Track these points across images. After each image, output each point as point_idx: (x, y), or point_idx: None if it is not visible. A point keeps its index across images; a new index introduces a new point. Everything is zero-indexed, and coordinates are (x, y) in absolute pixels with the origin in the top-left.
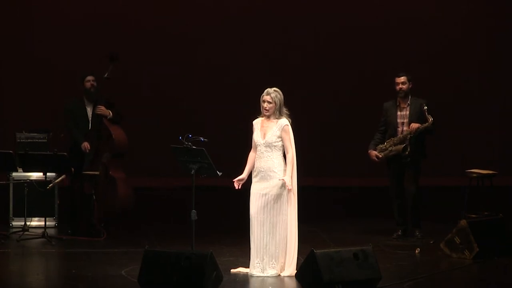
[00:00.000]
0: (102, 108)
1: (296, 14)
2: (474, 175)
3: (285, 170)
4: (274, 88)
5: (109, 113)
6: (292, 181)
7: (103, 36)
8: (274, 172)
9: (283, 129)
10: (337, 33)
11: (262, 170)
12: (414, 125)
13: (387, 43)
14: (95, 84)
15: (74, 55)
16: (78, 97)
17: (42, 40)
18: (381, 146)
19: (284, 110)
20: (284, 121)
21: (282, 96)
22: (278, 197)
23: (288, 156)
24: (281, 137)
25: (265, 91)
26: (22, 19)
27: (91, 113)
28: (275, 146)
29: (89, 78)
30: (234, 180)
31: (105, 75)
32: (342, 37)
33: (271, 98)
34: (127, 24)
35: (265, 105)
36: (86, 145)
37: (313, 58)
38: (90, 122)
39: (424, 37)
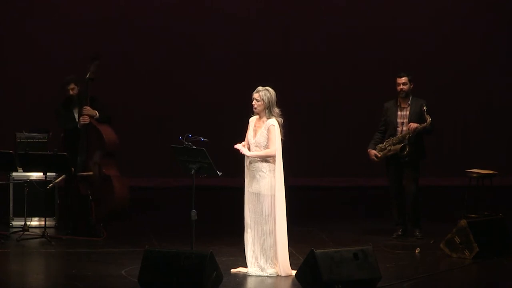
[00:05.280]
0: (88, 109)
1: (296, 13)
2: (474, 175)
3: (274, 170)
4: (266, 87)
5: (96, 113)
6: (245, 152)
7: (103, 37)
8: (263, 172)
9: (268, 129)
10: (339, 34)
11: (253, 169)
12: (413, 125)
13: (388, 42)
14: (76, 91)
15: (75, 55)
16: (63, 101)
17: (42, 40)
18: (380, 146)
19: (276, 110)
20: (271, 121)
21: (273, 95)
22: (268, 197)
23: (267, 150)
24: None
25: (256, 89)
26: (22, 20)
27: (77, 114)
28: (263, 146)
29: (69, 87)
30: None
31: (87, 76)
32: (344, 37)
33: (259, 96)
34: (125, 24)
35: (253, 102)
36: (82, 118)
37: (315, 58)
38: (78, 122)
39: (423, 37)
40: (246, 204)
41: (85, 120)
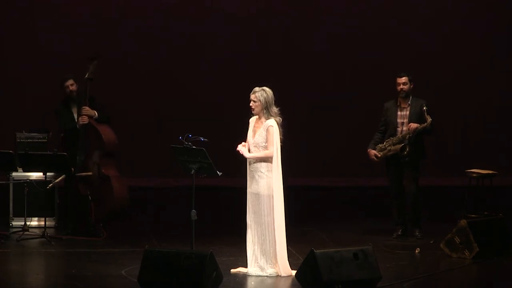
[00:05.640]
0: (87, 109)
1: (296, 13)
2: (474, 175)
3: (271, 170)
4: (263, 88)
5: (95, 113)
6: (245, 153)
7: (103, 37)
8: (262, 172)
9: (267, 130)
10: (339, 34)
11: (252, 170)
12: (413, 125)
13: (388, 42)
14: (75, 87)
15: (75, 56)
16: (62, 100)
17: (42, 40)
18: (380, 146)
19: (274, 110)
20: (270, 122)
21: (270, 95)
22: (267, 197)
23: (266, 151)
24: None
25: (253, 90)
26: (22, 20)
27: (76, 114)
28: (262, 146)
29: (68, 83)
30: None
31: (86, 76)
32: (344, 37)
33: (256, 97)
34: (125, 24)
35: (251, 104)
36: (81, 118)
37: (315, 58)
38: (77, 122)
39: (423, 37)
40: (247, 203)
41: (84, 120)
